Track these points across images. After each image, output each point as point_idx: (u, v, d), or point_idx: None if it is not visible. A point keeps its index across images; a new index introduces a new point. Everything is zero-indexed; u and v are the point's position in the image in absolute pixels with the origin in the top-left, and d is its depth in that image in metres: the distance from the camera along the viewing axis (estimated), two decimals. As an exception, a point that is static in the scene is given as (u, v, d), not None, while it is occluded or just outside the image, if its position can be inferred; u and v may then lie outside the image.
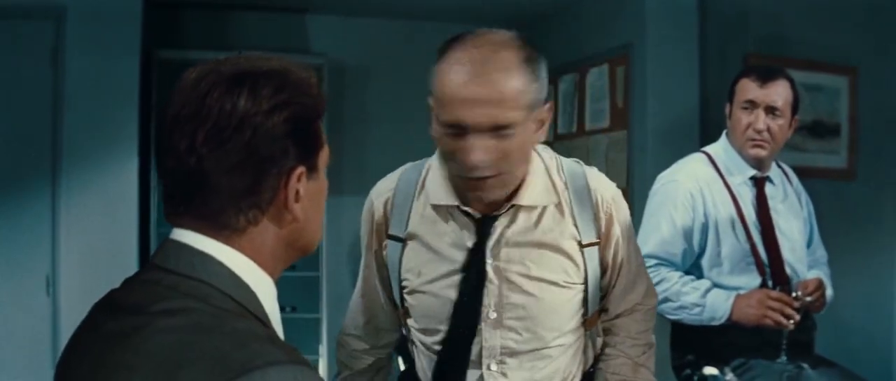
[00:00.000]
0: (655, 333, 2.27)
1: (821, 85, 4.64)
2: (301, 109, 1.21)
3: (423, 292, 2.08)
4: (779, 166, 3.13)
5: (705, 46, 4.64)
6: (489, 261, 2.02)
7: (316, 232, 1.31)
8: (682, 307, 2.87)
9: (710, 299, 2.85)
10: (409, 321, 2.17)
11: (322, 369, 5.43)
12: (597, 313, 2.18)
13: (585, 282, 2.07)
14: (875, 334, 4.80)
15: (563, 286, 2.04)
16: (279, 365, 1.04)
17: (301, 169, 1.22)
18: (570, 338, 2.10)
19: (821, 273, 3.07)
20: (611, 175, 2.29)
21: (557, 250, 2.03)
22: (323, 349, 5.46)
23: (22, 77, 4.35)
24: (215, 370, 1.03)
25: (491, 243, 2.01)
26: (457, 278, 2.03)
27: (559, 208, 2.04)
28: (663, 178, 3.03)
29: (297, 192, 1.22)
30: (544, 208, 2.03)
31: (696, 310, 2.86)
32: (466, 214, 2.02)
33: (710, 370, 2.89)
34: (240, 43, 5.49)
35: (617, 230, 2.11)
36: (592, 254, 2.07)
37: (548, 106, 1.92)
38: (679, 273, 2.91)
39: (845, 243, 4.08)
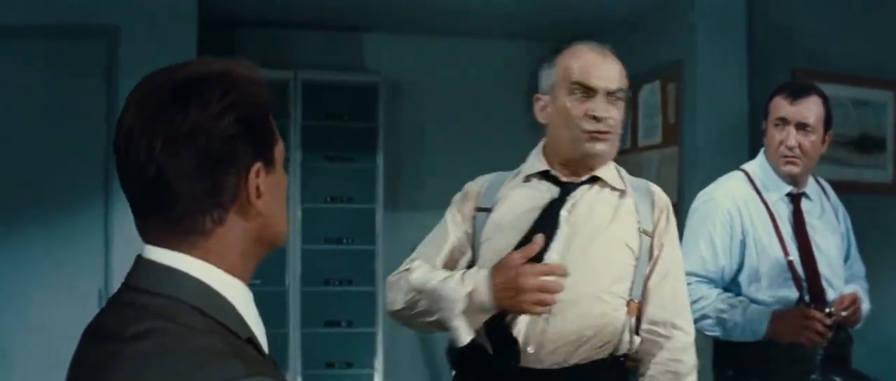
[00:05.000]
0: (698, 349, 2.35)
1: (867, 99, 4.65)
2: (249, 108, 1.24)
3: (502, 232, 2.30)
4: (816, 182, 3.15)
5: (754, 62, 4.68)
6: (563, 214, 2.28)
7: (281, 224, 1.33)
8: (720, 324, 2.92)
9: (747, 317, 2.89)
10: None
11: (378, 382, 5.49)
12: (636, 305, 2.30)
13: (637, 261, 2.29)
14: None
15: (620, 250, 2.29)
16: None
17: (258, 165, 1.25)
18: (608, 305, 2.24)
19: (858, 287, 3.08)
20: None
21: (623, 223, 2.31)
22: (378, 363, 5.48)
23: (76, 95, 4.46)
24: None
25: (570, 201, 2.30)
26: (530, 223, 2.28)
27: (625, 195, 2.35)
28: (702, 196, 3.08)
29: (258, 187, 1.25)
30: (613, 189, 2.34)
31: (735, 327, 2.91)
32: (553, 179, 2.33)
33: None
34: (294, 61, 5.55)
35: (666, 231, 2.36)
36: (646, 243, 2.32)
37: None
38: (718, 290, 2.96)
39: (888, 256, 4.09)
